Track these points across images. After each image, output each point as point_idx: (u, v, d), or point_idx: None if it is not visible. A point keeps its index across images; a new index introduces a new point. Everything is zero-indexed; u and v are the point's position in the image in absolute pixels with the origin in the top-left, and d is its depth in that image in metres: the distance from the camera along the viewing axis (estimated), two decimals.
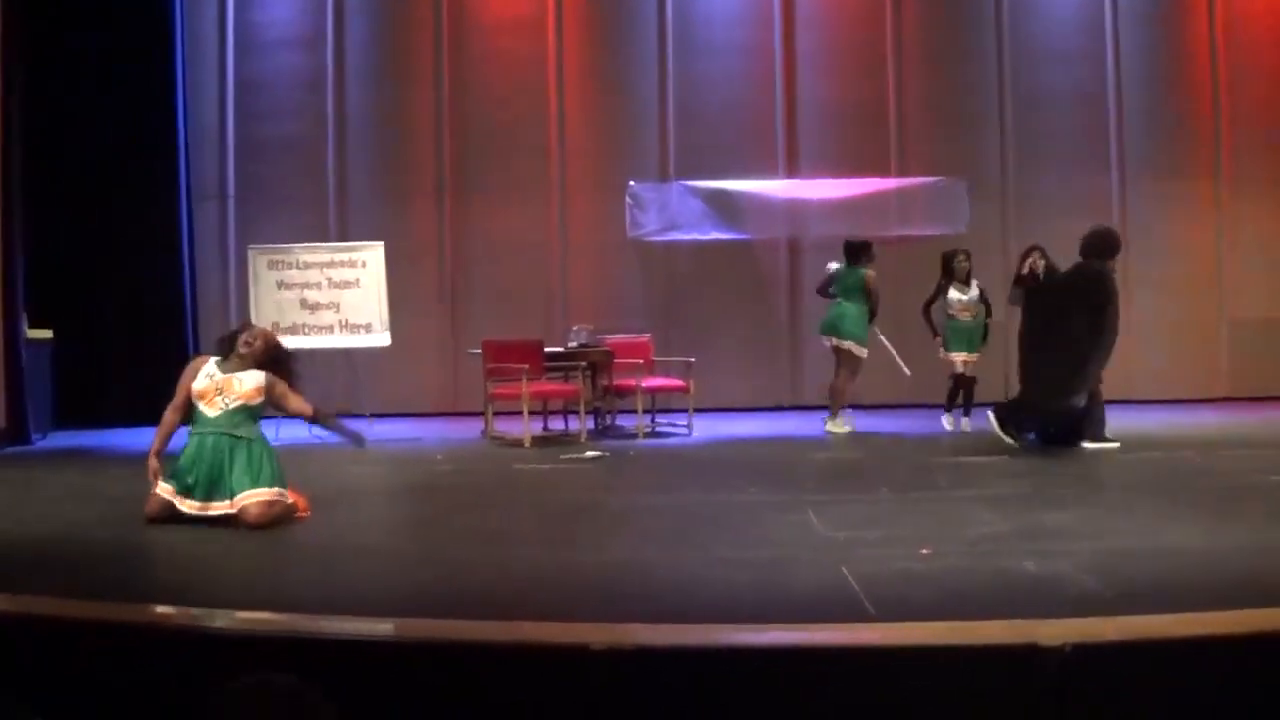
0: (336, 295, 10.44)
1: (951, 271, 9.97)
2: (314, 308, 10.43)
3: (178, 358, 8.81)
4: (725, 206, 12.20)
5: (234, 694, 2.36)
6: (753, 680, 3.33)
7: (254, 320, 9.57)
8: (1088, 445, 8.46)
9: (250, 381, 6.27)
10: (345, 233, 12.04)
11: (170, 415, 6.31)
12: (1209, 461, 8.16)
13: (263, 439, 6.30)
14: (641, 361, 10.34)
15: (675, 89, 12.52)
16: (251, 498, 6.00)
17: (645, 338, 10.93)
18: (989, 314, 10.06)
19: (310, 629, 3.88)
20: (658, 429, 10.33)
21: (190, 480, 6.06)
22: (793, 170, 12.54)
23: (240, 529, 5.88)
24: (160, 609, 4.27)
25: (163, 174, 11.56)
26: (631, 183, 12.28)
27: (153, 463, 6.17)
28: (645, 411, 10.27)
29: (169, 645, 3.66)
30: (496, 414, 10.14)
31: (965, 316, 9.94)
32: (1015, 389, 9.67)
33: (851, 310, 10.09)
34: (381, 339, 10.48)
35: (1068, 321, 8.42)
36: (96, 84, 11.16)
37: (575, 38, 12.61)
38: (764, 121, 12.54)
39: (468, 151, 12.46)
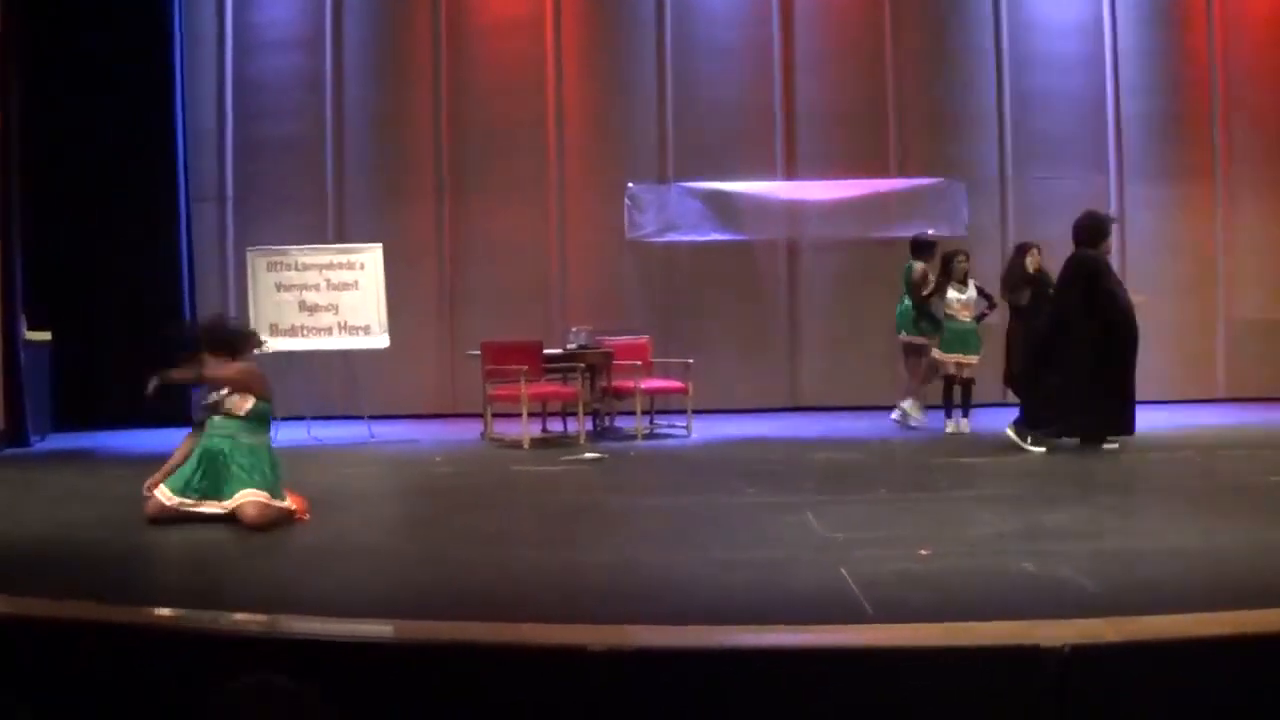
0: (335, 297, 10.43)
1: (950, 271, 10.00)
2: (312, 309, 10.42)
3: (177, 359, 8.78)
4: (724, 207, 12.21)
5: (233, 695, 2.36)
6: (752, 681, 3.33)
7: (253, 322, 9.59)
8: (1107, 446, 8.35)
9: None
10: (344, 233, 12.05)
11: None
12: (1209, 462, 8.16)
13: (267, 447, 6.33)
14: (640, 363, 10.33)
15: (674, 90, 12.52)
16: (249, 497, 6.02)
17: (644, 339, 10.92)
18: (991, 305, 10.10)
19: (310, 630, 3.88)
20: (657, 430, 10.33)
21: (191, 480, 6.09)
22: (791, 171, 12.54)
23: (240, 529, 5.89)
24: (160, 610, 4.27)
25: (162, 174, 11.58)
26: (630, 184, 12.28)
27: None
28: (644, 413, 10.27)
29: (168, 646, 3.66)
30: (495, 416, 10.13)
31: (963, 316, 9.97)
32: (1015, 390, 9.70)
33: (906, 305, 10.34)
34: (380, 341, 10.48)
35: (1069, 330, 8.35)
36: (96, 84, 11.15)
37: (574, 38, 12.60)
38: (763, 122, 12.53)
39: (466, 152, 12.46)
